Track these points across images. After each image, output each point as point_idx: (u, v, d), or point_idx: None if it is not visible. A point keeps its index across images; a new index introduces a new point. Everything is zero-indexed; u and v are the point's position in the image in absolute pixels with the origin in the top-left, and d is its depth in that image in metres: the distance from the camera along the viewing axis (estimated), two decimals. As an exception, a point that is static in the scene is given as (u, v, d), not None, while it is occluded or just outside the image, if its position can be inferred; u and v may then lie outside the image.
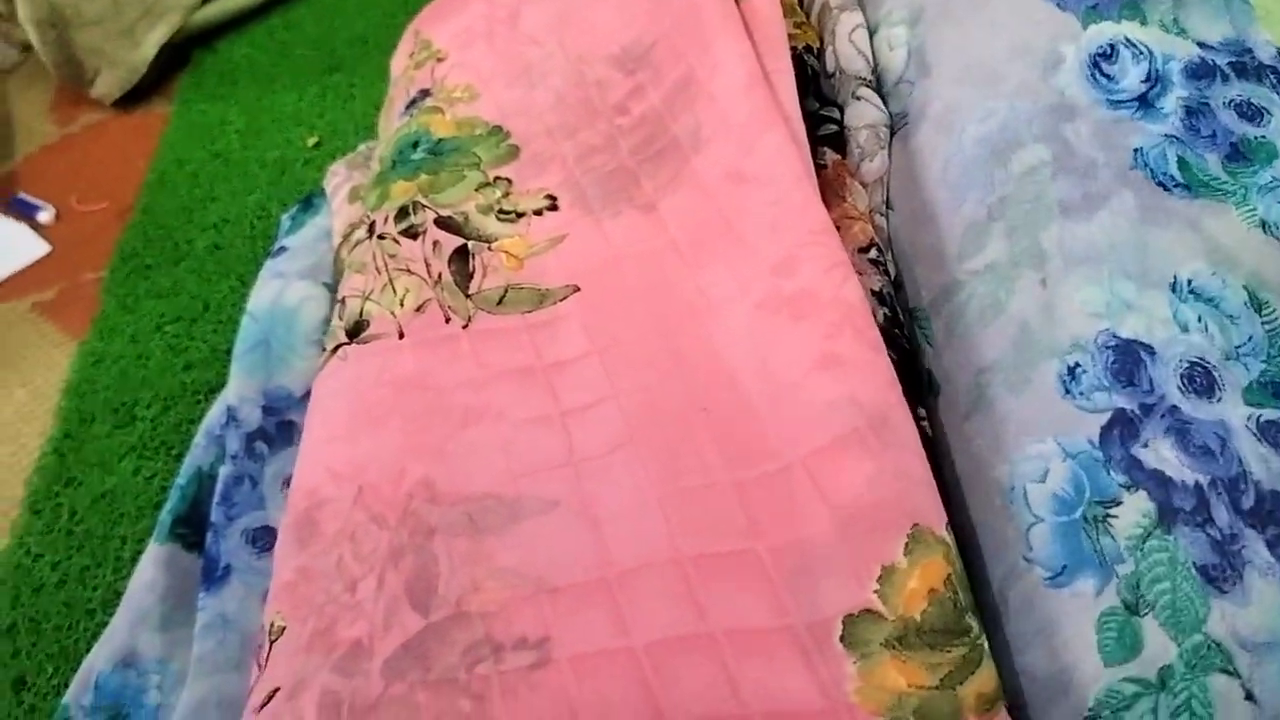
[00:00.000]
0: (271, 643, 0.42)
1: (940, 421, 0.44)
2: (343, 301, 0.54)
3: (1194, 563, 0.34)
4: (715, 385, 0.45)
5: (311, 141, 0.87)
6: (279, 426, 0.57)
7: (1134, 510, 0.35)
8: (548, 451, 0.45)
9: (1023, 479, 0.38)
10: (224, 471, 0.54)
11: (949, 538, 0.38)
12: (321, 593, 0.42)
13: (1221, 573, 0.34)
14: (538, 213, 0.56)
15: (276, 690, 0.40)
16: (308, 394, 0.53)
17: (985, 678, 0.35)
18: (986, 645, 0.36)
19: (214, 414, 0.59)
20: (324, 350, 0.53)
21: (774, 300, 0.46)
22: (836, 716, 0.36)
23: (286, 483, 0.52)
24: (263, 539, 0.52)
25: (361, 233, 0.58)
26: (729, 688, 0.37)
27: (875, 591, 0.37)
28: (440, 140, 0.61)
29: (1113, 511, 0.35)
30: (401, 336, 0.51)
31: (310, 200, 0.72)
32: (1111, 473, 0.36)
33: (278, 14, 1.03)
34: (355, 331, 0.52)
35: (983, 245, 0.44)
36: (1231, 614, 0.33)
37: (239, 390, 0.57)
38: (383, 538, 0.43)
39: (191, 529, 0.55)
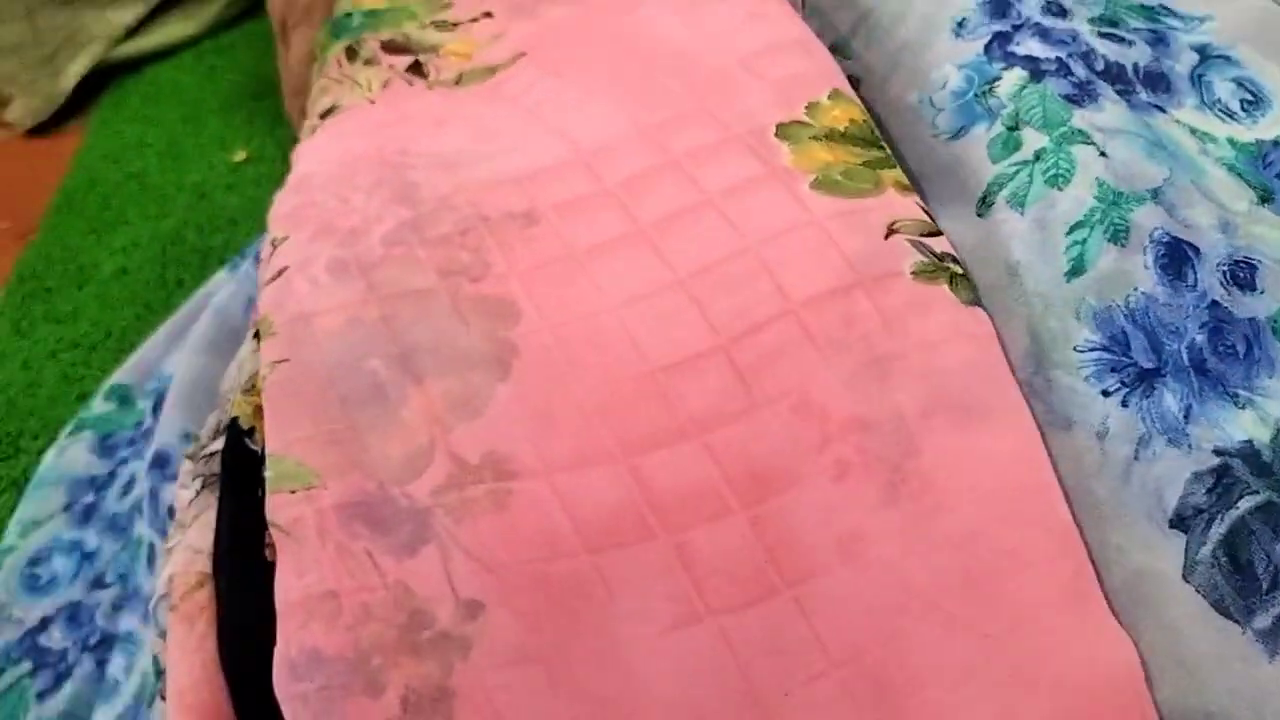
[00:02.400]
0: (275, 247, 0.45)
1: (863, 97, 0.50)
2: (316, 115, 0.57)
3: (1059, 94, 0.43)
4: (664, 53, 0.51)
5: (238, 157, 0.84)
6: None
7: (1012, 78, 0.44)
8: (516, 120, 0.50)
9: (929, 92, 0.46)
10: None
11: (863, 108, 0.46)
12: (318, 207, 0.46)
13: (1080, 98, 0.43)
14: (474, 20, 0.60)
15: (285, 268, 0.43)
16: None
17: (901, 175, 0.43)
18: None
19: None
20: None
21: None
22: (775, 178, 0.42)
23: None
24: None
25: (320, 80, 0.61)
26: (692, 183, 0.43)
27: (804, 114, 0.45)
28: (374, 9, 0.64)
29: (996, 85, 0.44)
30: (372, 104, 0.55)
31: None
32: (993, 64, 0.45)
33: (208, 39, 0.99)
34: (327, 114, 0.56)
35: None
36: (1089, 116, 0.42)
37: None
38: (367, 176, 0.47)
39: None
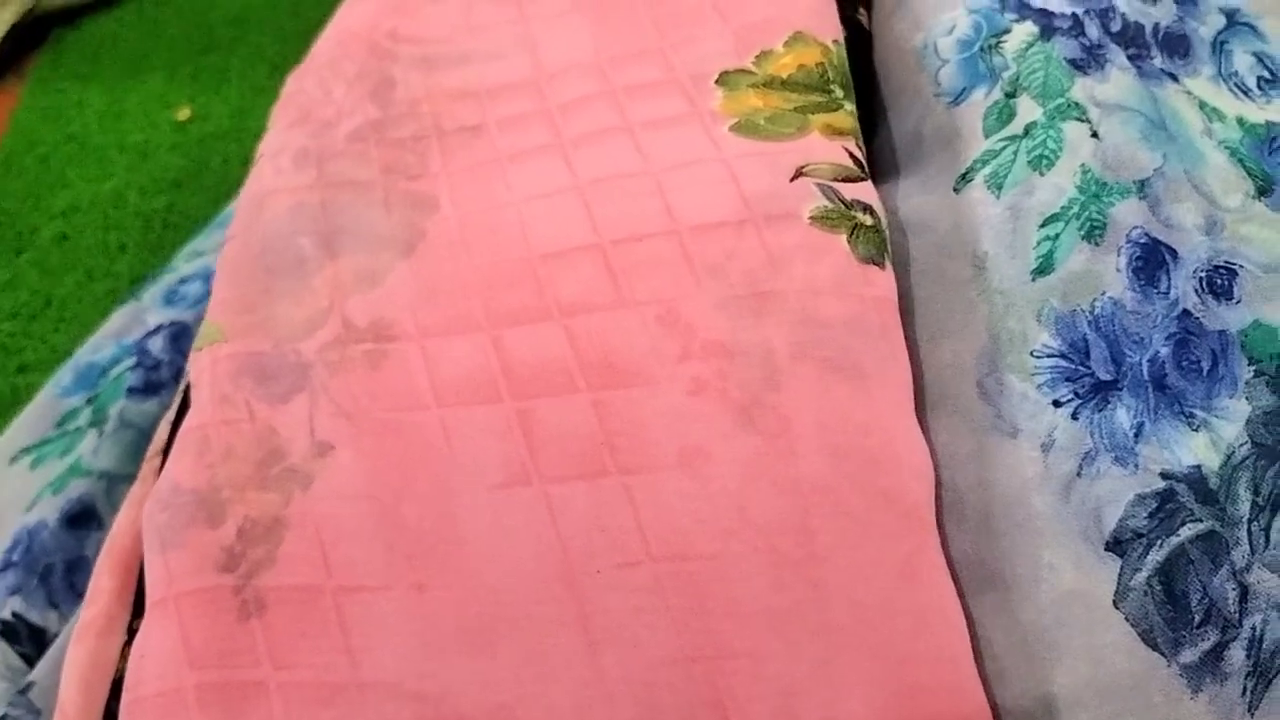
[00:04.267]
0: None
1: (871, 33, 0.50)
2: None
3: (1064, 57, 0.41)
4: None
5: (182, 115, 0.80)
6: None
7: (1021, 33, 0.42)
8: (506, 16, 0.52)
9: (934, 36, 0.45)
10: None
11: (835, 48, 0.45)
12: (305, 95, 0.51)
13: (1086, 63, 0.41)
14: None
15: (261, 155, 0.49)
16: None
17: (839, 118, 0.42)
18: (849, 108, 0.43)
19: None
20: None
21: None
22: (697, 118, 0.43)
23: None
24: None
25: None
26: (619, 112, 0.45)
27: (751, 63, 0.45)
28: None
29: (1004, 39, 0.42)
30: None
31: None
32: (1005, 14, 0.43)
33: None
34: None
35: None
36: (1090, 86, 0.40)
37: None
38: (354, 64, 0.51)
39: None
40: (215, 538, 0.35)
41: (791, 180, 0.40)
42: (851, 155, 0.41)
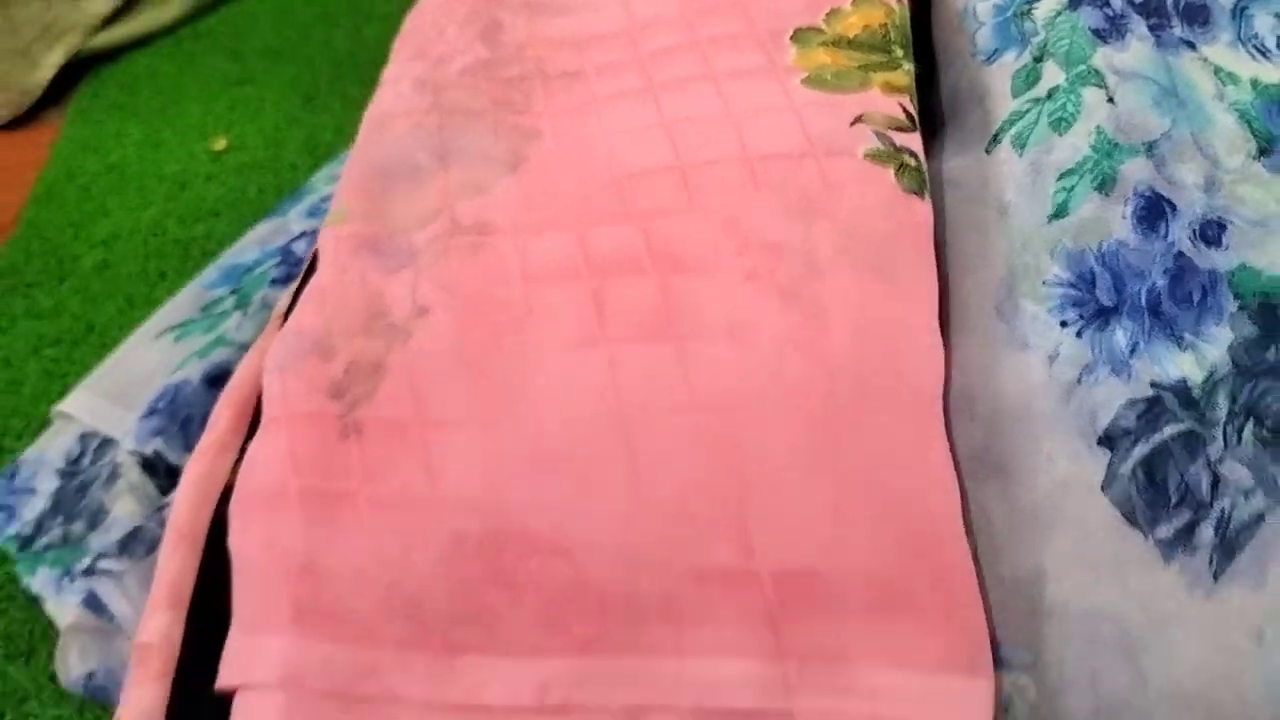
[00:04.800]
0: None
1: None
2: None
3: (1089, 26, 0.46)
4: None
5: (218, 145, 0.83)
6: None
7: (1051, 1, 0.47)
8: None
9: (974, 1, 0.51)
10: None
11: (898, 8, 0.52)
12: (421, 33, 0.57)
13: (1108, 33, 0.46)
14: None
15: (384, 81, 0.55)
16: None
17: (897, 76, 0.48)
18: (907, 68, 0.49)
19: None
20: None
21: None
22: (773, 71, 0.50)
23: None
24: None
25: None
26: (704, 61, 0.51)
27: (822, 20, 0.52)
28: None
29: (1035, 6, 0.48)
30: None
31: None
32: None
33: (186, 24, 0.96)
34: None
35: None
36: (1110, 54, 0.45)
37: None
38: (464, 6, 0.58)
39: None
40: (326, 371, 0.42)
41: (851, 125, 0.46)
42: (905, 110, 0.47)
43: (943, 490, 0.39)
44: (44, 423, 0.60)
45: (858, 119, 0.46)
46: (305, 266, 0.49)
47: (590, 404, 0.41)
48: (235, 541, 0.40)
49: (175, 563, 0.42)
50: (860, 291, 0.42)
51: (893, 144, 0.45)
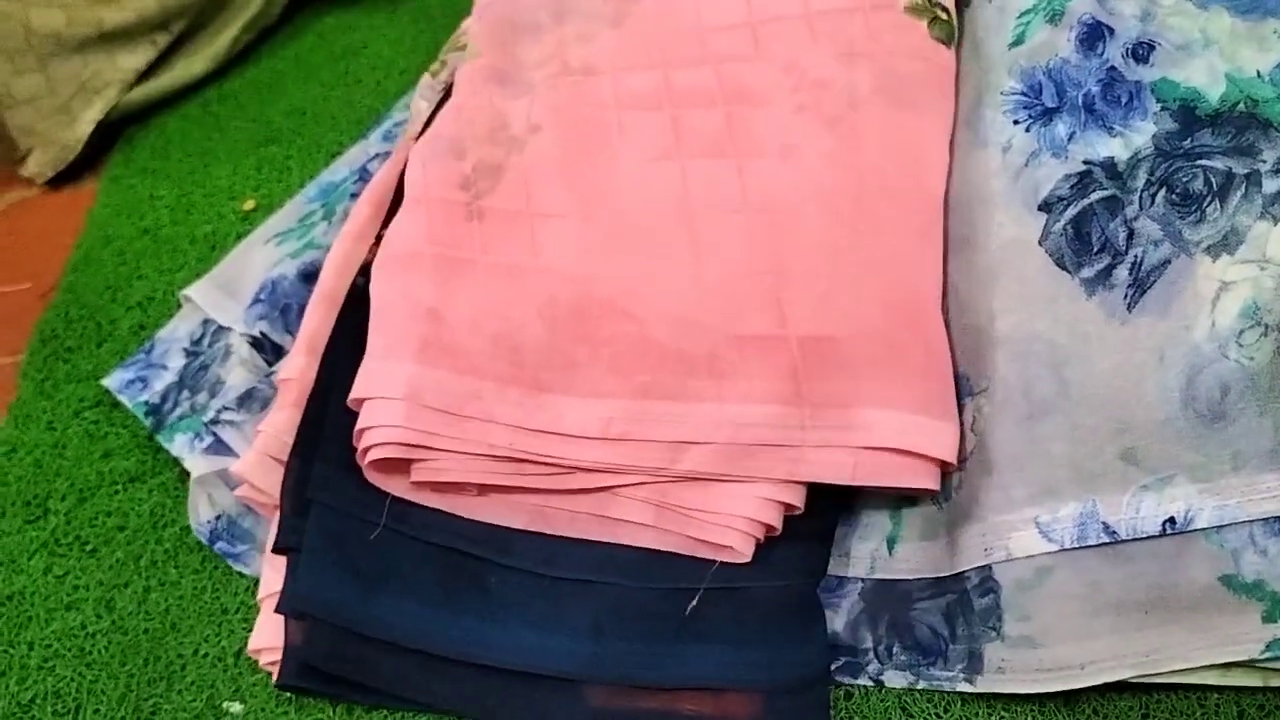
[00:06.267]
0: None
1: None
2: None
3: None
4: None
5: (248, 206, 0.84)
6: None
7: None
8: None
9: None
10: None
11: None
12: None
13: None
14: None
15: None
16: None
17: None
18: None
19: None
20: None
21: None
22: None
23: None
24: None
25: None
26: None
27: None
28: None
29: None
30: None
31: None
32: None
33: (213, 86, 0.96)
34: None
35: None
36: None
37: None
38: None
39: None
40: (459, 168, 0.53)
41: None
42: None
43: (933, 276, 0.49)
44: (86, 484, 0.64)
45: None
46: (436, 100, 0.60)
47: (663, 203, 0.51)
48: (375, 291, 0.50)
49: (316, 318, 0.53)
50: (889, 119, 0.51)
51: (930, 1, 0.54)
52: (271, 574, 0.50)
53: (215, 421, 0.59)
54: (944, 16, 0.54)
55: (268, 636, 0.50)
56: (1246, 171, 0.44)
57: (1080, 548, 0.43)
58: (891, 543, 0.48)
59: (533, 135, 0.54)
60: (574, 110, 0.55)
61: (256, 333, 0.63)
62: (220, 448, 0.58)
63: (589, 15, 0.59)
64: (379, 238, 0.54)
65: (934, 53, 0.53)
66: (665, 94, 0.54)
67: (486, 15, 0.60)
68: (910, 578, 0.47)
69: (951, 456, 0.45)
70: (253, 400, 0.59)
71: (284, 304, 0.64)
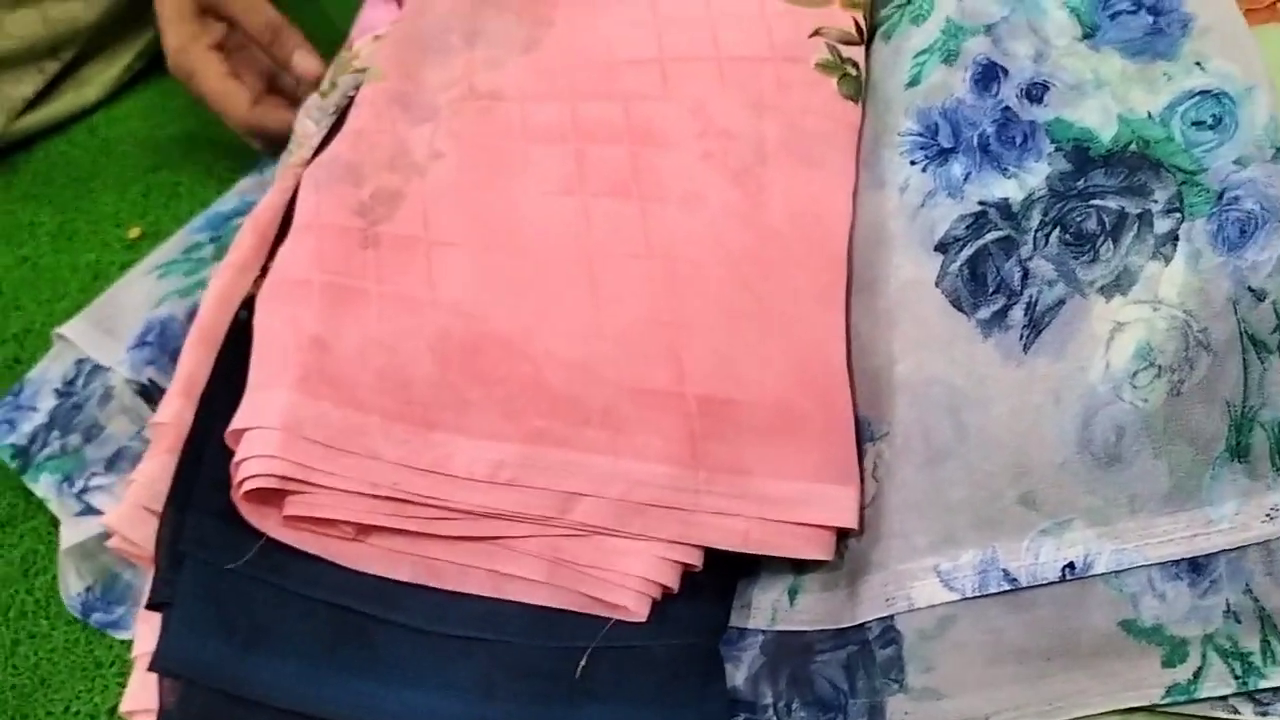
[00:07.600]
0: None
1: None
2: None
3: None
4: None
5: (134, 234, 0.80)
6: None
7: None
8: None
9: None
10: None
11: None
12: None
13: None
14: None
15: None
16: None
17: None
18: None
19: None
20: None
21: None
22: None
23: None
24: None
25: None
26: None
27: None
28: None
29: None
30: None
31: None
32: None
33: (101, 109, 0.90)
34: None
35: None
36: None
37: None
38: None
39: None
40: (355, 195, 0.51)
41: (809, 37, 0.54)
42: (857, 24, 0.54)
43: (837, 339, 0.47)
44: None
45: (815, 32, 0.54)
46: (329, 121, 0.58)
47: (564, 240, 0.50)
48: (259, 320, 0.48)
49: (193, 358, 0.51)
50: (796, 177, 0.50)
51: (840, 56, 0.53)
52: (146, 629, 0.47)
53: (85, 490, 0.56)
54: (853, 73, 0.53)
55: (141, 698, 0.46)
56: (1139, 211, 0.44)
57: (982, 596, 0.42)
58: (793, 593, 0.47)
59: (434, 161, 0.52)
60: (478, 138, 0.53)
61: (144, 379, 0.60)
62: (91, 513, 0.56)
63: (500, 40, 0.58)
64: (264, 269, 0.52)
65: (842, 111, 0.52)
66: (571, 126, 0.53)
67: (393, 35, 0.59)
68: (811, 629, 0.45)
69: (852, 522, 0.44)
70: (122, 460, 0.57)
71: (174, 348, 0.60)
